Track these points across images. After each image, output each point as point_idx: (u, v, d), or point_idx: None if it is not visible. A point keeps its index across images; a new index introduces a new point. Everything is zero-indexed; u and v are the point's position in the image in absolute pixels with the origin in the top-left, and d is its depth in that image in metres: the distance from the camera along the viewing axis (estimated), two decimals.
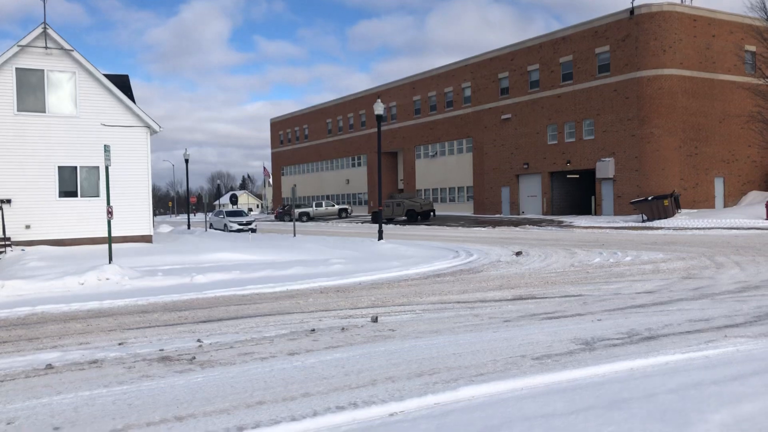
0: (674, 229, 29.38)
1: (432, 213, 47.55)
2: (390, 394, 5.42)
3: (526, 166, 46.77)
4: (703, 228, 28.91)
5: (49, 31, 21.08)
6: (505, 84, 48.59)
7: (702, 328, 7.76)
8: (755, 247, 19.01)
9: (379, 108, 24.02)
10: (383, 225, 44.84)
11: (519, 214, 47.04)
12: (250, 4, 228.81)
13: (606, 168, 40.25)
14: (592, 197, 43.19)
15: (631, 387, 5.37)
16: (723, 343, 6.91)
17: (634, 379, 5.62)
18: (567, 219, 39.20)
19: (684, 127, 38.81)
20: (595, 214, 41.93)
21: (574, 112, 42.80)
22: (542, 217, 43.30)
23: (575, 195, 46.24)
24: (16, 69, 20.87)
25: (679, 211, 34.33)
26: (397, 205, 47.38)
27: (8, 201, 20.56)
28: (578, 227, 33.13)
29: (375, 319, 8.88)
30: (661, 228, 30.23)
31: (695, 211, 36.52)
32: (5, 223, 20.24)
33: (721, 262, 15.14)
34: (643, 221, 33.82)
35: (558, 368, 6.07)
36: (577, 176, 45.47)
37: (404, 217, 46.65)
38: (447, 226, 39.37)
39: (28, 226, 20.79)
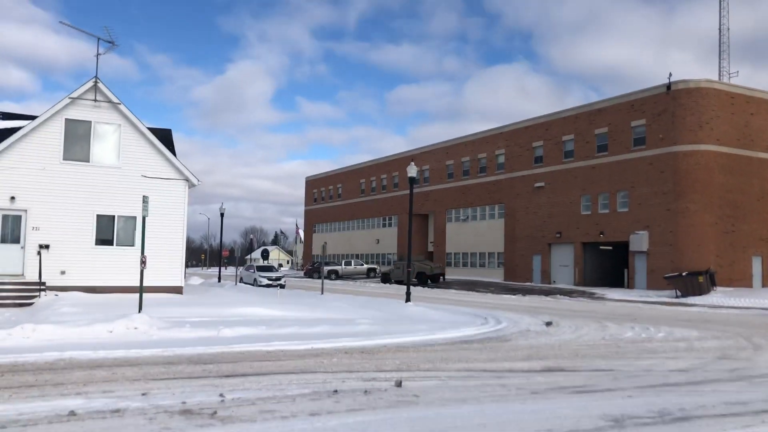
0: (709, 306, 28.63)
1: (442, 277, 47.60)
2: None
3: (558, 236, 46.43)
4: (740, 307, 28.11)
5: (99, 84, 21.95)
6: (539, 153, 48.80)
7: (738, 412, 7.46)
8: None
9: (412, 171, 24.26)
10: (394, 286, 45.07)
11: (550, 284, 46.42)
12: (294, 66, 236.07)
13: (640, 241, 39.71)
14: (625, 270, 42.49)
15: None
16: (761, 429, 6.61)
17: None
18: (599, 291, 38.54)
19: (721, 204, 38.30)
20: (628, 287, 41.16)
21: (608, 183, 42.64)
22: (574, 287, 42.64)
23: (608, 267, 45.57)
24: (66, 120, 21.68)
25: (714, 288, 33.51)
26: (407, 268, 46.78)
27: (47, 246, 21.03)
28: (610, 300, 32.50)
29: (399, 384, 8.74)
30: (695, 305, 29.47)
31: (731, 289, 35.59)
32: (42, 268, 20.64)
33: (758, 344, 14.64)
34: (677, 297, 33.05)
35: None
36: (610, 248, 44.91)
37: (414, 280, 46.20)
38: (476, 291, 38.99)
39: (63, 272, 21.16)
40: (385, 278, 50.79)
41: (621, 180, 41.73)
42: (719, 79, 45.39)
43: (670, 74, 39.48)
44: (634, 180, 40.82)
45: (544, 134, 48.30)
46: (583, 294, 36.47)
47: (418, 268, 46.40)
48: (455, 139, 58.90)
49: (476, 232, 55.60)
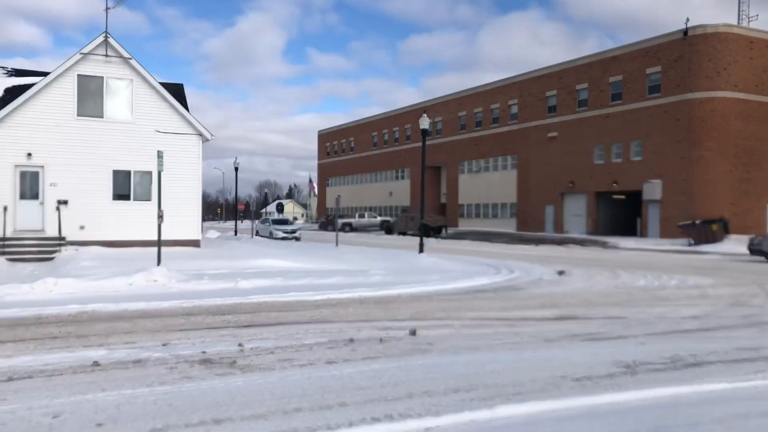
0: (722, 254, 28.51)
1: (444, 229, 48.40)
2: (426, 408, 5.36)
3: (571, 185, 46.13)
4: None
5: (110, 39, 21.73)
6: (552, 102, 48.12)
7: (750, 357, 7.48)
8: None
9: (424, 122, 24.01)
10: (406, 237, 46.08)
11: (563, 233, 46.35)
12: (305, 16, 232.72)
13: (653, 190, 39.37)
14: (638, 219, 42.29)
15: (675, 414, 5.21)
16: None
17: (677, 406, 5.45)
18: (612, 240, 38.43)
19: (736, 151, 37.73)
20: (641, 236, 41.02)
21: (622, 132, 42.07)
22: (586, 237, 42.56)
23: (621, 216, 45.35)
24: (78, 75, 21.56)
25: (728, 236, 33.30)
26: (410, 220, 48.96)
27: (65, 202, 21.20)
28: (623, 249, 32.45)
29: (413, 332, 8.83)
30: (708, 253, 29.37)
31: (745, 237, 35.25)
32: (61, 223, 20.85)
33: None
34: (690, 245, 32.92)
35: (598, 391, 5.93)
36: (624, 197, 44.61)
37: (417, 231, 47.11)
38: (489, 242, 39.04)
39: (82, 227, 21.37)
40: (389, 230, 52.42)
41: (635, 129, 41.14)
42: (738, 23, 44.15)
43: (687, 19, 38.46)
44: (648, 129, 40.23)
45: (557, 83, 47.52)
46: (595, 243, 36.42)
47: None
48: (468, 90, 58.14)
49: (489, 184, 55.37)
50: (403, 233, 49.21)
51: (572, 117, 46.06)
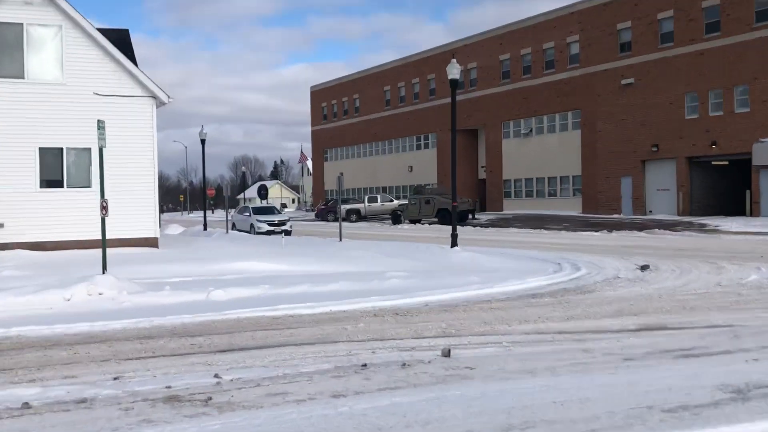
0: None
1: (471, 214, 48.19)
2: None
3: (655, 150, 45.91)
4: None
5: None
6: (626, 37, 47.79)
7: None
8: None
9: (454, 71, 23.93)
10: (420, 226, 46.05)
11: (645, 214, 46.23)
12: None
13: (766, 152, 39.07)
14: (747, 192, 42.04)
15: None
16: None
17: None
18: (711, 221, 38.29)
19: None
20: (751, 214, 40.80)
21: (721, 75, 41.71)
22: (677, 218, 42.43)
23: (723, 189, 45.13)
24: None
25: None
26: (425, 203, 48.70)
27: None
28: (727, 232, 32.28)
29: (447, 353, 8.85)
30: None
31: None
32: None
33: None
34: None
35: (699, 424, 5.93)
36: (726, 163, 44.36)
37: (435, 218, 47.68)
38: (545, 229, 38.98)
39: (1, 225, 21.54)
40: (396, 218, 51.40)
41: (739, 70, 40.77)
42: None
43: None
44: (757, 69, 39.85)
45: (632, 11, 47.16)
46: (690, 226, 36.27)
47: (441, 204, 46.65)
48: (512, 24, 57.91)
49: (543, 151, 55.24)
50: (416, 221, 49.28)
51: (653, 57, 45.74)
